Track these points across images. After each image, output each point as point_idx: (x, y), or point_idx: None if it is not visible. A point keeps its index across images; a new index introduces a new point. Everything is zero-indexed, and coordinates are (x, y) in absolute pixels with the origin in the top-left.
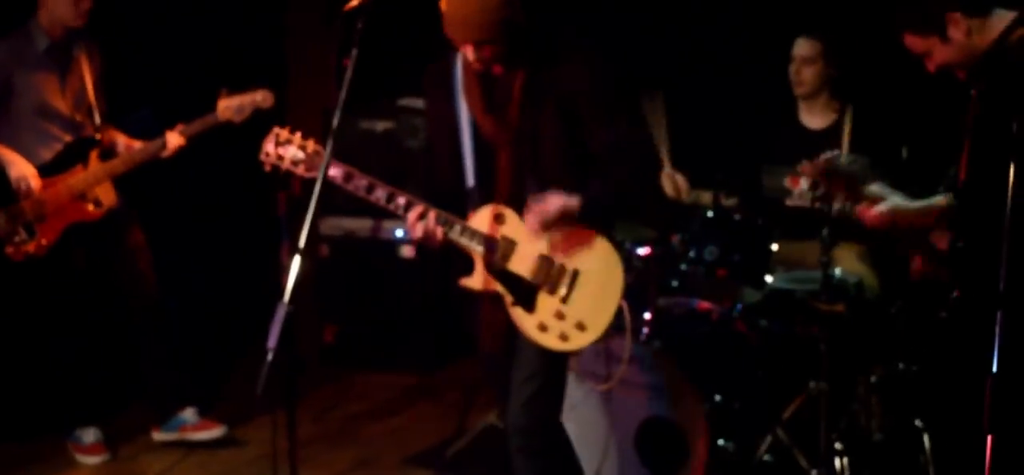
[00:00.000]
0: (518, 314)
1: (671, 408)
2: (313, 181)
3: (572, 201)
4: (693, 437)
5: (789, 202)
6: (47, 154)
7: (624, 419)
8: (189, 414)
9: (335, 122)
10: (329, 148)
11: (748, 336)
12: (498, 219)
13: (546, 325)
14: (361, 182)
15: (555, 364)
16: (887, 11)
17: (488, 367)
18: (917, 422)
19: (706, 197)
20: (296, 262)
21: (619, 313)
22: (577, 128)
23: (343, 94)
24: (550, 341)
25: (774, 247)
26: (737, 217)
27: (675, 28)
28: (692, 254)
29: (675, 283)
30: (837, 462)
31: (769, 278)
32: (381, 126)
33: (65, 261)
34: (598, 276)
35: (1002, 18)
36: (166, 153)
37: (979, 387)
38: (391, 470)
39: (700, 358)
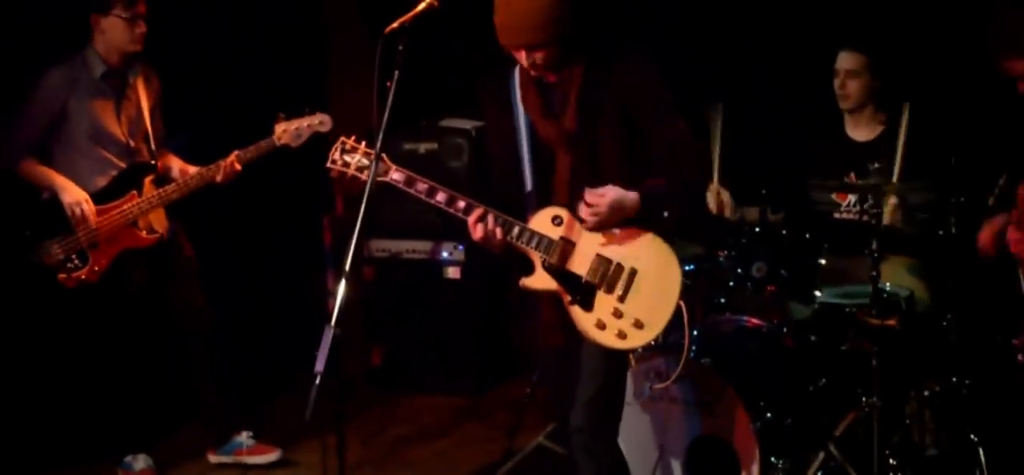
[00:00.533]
0: (577, 313)
1: (721, 426)
2: (357, 201)
3: (629, 194)
4: (744, 456)
5: (837, 215)
6: (102, 181)
7: (674, 438)
8: (244, 437)
9: (378, 144)
10: (373, 169)
11: (798, 352)
12: (556, 221)
13: (604, 323)
14: (422, 186)
15: (616, 363)
16: (977, 34)
17: (546, 365)
18: (972, 436)
19: (752, 214)
20: (342, 285)
21: (678, 312)
22: (634, 129)
23: (386, 116)
24: (609, 339)
25: (822, 262)
26: (784, 232)
27: (722, 43)
28: (739, 270)
29: (723, 300)
30: None
31: (817, 293)
32: (424, 147)
33: (117, 286)
34: (655, 274)
35: None
36: (221, 179)
37: None
38: None
39: (750, 375)
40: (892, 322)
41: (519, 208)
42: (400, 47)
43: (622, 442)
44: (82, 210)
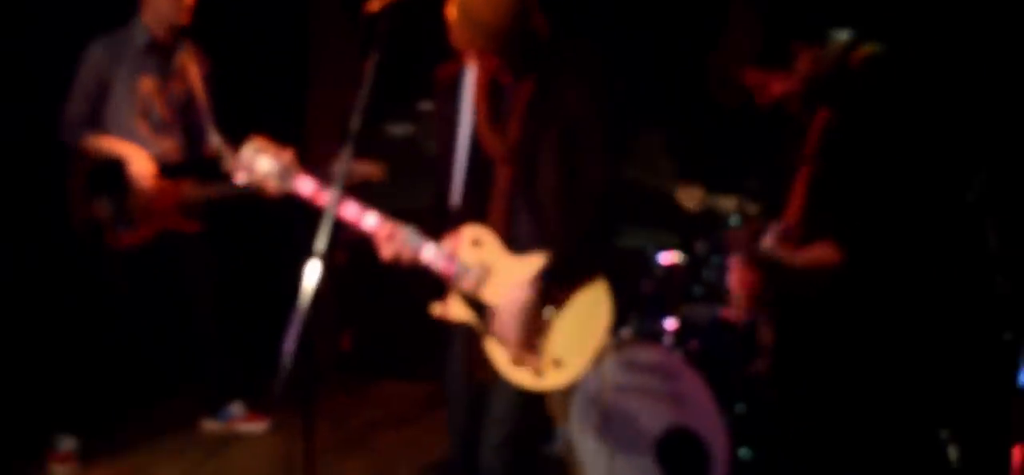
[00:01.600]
0: (491, 346)
1: (693, 417)
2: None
3: (522, 290)
4: (715, 447)
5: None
6: (148, 154)
7: (645, 428)
8: (236, 407)
9: (355, 125)
10: (348, 151)
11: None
12: (476, 243)
13: (521, 360)
14: (328, 197)
15: (528, 405)
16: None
17: (452, 393)
18: (943, 433)
19: (729, 202)
20: (314, 268)
21: (602, 354)
22: (573, 155)
23: (363, 97)
24: (523, 377)
25: None
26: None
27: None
28: (716, 261)
29: (699, 291)
30: None
31: None
32: (400, 130)
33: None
34: (581, 311)
35: (836, 43)
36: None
37: (1005, 400)
38: None
39: (723, 367)
40: None
41: (448, 217)
42: (381, 28)
43: (593, 432)
44: (147, 180)
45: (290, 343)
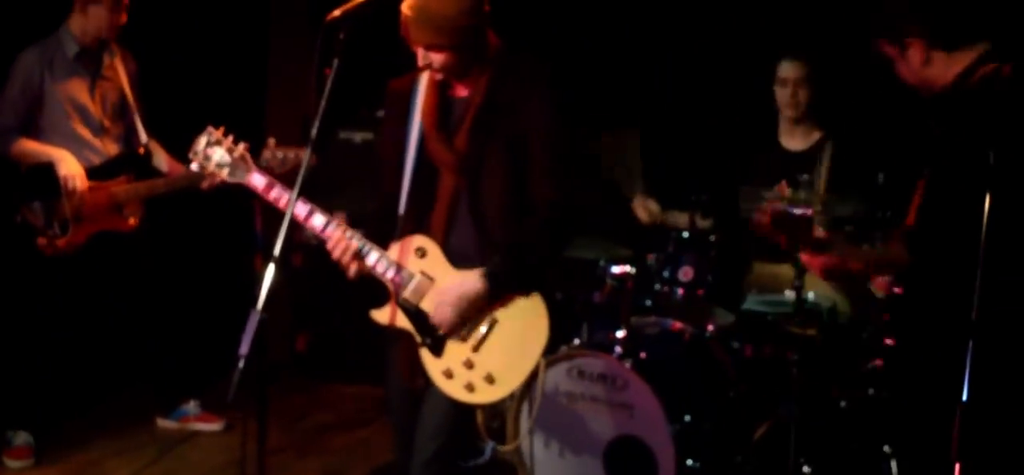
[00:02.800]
0: (426, 356)
1: (640, 427)
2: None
3: (469, 284)
4: (661, 457)
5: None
6: (79, 158)
7: (594, 437)
8: (191, 406)
9: (314, 131)
10: (307, 155)
11: (720, 358)
12: (419, 252)
13: (453, 372)
14: (278, 194)
15: (460, 419)
16: (863, 22)
17: (393, 402)
18: (885, 448)
19: (681, 219)
20: (270, 270)
21: (535, 373)
22: (523, 168)
23: (323, 104)
24: (455, 390)
25: (750, 268)
26: (712, 238)
27: (653, 50)
28: (666, 274)
29: (649, 303)
30: None
31: (743, 300)
32: (359, 137)
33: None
34: (517, 329)
35: (966, 55)
36: (206, 186)
37: (948, 415)
38: None
39: (671, 378)
40: (812, 332)
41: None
42: (340, 36)
43: (541, 439)
44: (76, 184)
45: (245, 344)
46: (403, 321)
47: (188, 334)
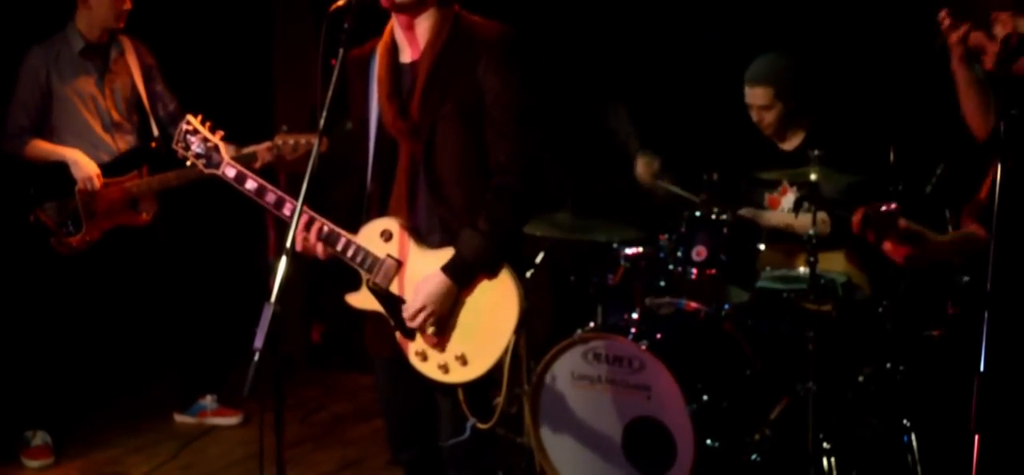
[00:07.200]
0: (400, 339)
1: (658, 408)
2: (299, 177)
3: (434, 283)
4: (680, 437)
5: (766, 222)
6: (91, 154)
7: (611, 419)
8: (209, 400)
9: (321, 122)
10: (316, 147)
11: (736, 336)
12: (384, 236)
13: (426, 354)
14: (252, 185)
15: (444, 395)
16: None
17: (379, 382)
18: (905, 421)
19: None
20: (283, 262)
21: (506, 352)
22: (479, 133)
23: (329, 94)
24: (431, 370)
25: (761, 247)
26: (725, 217)
27: (647, 45)
28: (680, 254)
29: (662, 283)
30: (825, 462)
31: (757, 278)
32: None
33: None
34: (486, 309)
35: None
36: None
37: (966, 387)
38: (377, 471)
39: (688, 358)
40: (828, 308)
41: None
42: (345, 25)
43: (558, 424)
44: (93, 185)
45: (260, 337)
46: (375, 305)
47: (204, 328)
